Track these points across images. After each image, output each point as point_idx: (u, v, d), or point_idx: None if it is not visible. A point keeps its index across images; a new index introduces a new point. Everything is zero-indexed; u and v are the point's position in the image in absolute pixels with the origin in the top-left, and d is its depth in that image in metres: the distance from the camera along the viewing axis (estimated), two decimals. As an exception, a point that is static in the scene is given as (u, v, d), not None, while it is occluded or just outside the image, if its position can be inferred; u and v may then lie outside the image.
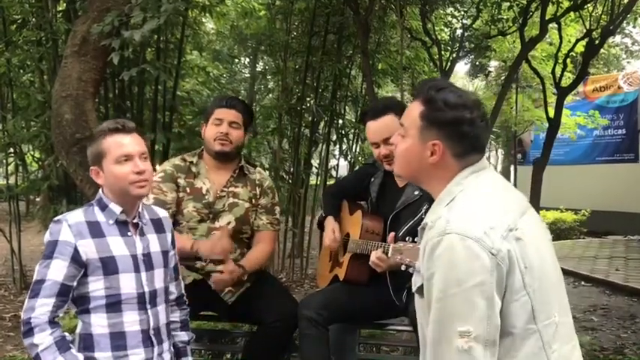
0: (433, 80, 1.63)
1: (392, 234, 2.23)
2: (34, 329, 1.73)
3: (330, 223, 2.65)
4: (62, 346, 1.75)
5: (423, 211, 2.37)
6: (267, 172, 5.99)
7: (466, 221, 1.33)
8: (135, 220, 1.93)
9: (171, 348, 2.01)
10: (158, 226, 2.02)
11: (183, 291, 2.14)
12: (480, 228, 1.31)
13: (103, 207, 1.89)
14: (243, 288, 2.55)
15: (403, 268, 2.07)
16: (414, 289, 1.47)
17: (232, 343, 3.05)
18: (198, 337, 2.75)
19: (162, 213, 2.09)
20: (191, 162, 2.61)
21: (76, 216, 1.86)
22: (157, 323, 1.92)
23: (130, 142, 1.87)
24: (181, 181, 2.55)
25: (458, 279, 1.29)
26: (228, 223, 2.55)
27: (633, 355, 4.00)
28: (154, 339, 1.90)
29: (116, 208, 1.88)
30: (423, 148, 1.45)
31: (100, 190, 1.93)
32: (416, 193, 2.41)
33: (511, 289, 1.32)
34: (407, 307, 2.38)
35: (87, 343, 1.83)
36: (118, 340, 1.83)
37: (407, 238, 2.08)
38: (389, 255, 2.13)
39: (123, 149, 1.85)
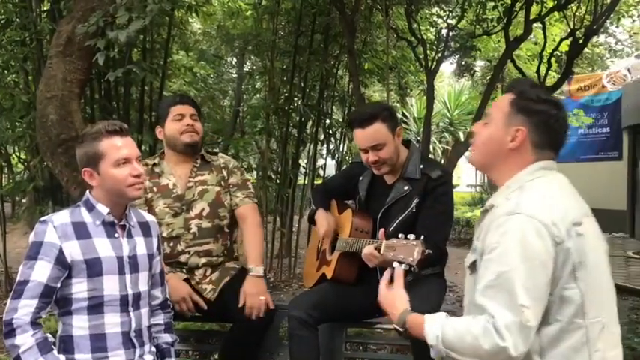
0: (527, 79, 1.73)
1: (382, 230, 2.19)
2: (16, 330, 1.72)
3: (322, 213, 2.63)
4: (44, 347, 1.74)
5: (414, 205, 2.38)
6: (255, 173, 5.98)
7: (536, 206, 1.39)
8: (122, 222, 1.93)
9: (153, 349, 2.01)
10: (145, 229, 2.03)
11: (168, 295, 2.15)
12: (549, 215, 1.37)
13: (90, 208, 1.89)
14: (222, 283, 2.57)
15: (395, 265, 1.97)
16: (466, 264, 1.53)
17: (219, 343, 3.05)
18: (185, 337, 2.75)
19: (150, 217, 2.11)
20: (153, 164, 2.68)
21: (62, 217, 1.85)
22: (139, 325, 1.93)
23: (128, 145, 1.89)
24: (146, 184, 2.58)
25: (523, 256, 1.34)
26: (202, 210, 2.59)
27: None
28: (135, 341, 1.90)
29: (103, 209, 1.89)
30: (505, 132, 1.52)
31: (88, 191, 1.93)
32: (405, 188, 2.41)
33: (562, 279, 1.37)
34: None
35: (67, 345, 1.83)
36: (98, 342, 1.83)
37: (399, 235, 2.02)
38: (382, 251, 2.08)
39: (122, 152, 1.86)
